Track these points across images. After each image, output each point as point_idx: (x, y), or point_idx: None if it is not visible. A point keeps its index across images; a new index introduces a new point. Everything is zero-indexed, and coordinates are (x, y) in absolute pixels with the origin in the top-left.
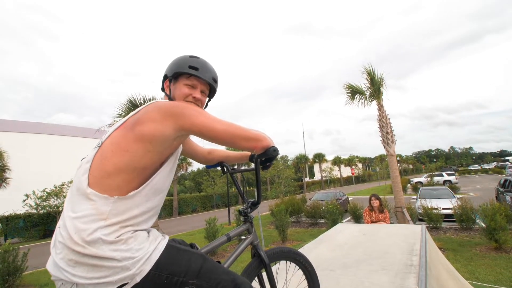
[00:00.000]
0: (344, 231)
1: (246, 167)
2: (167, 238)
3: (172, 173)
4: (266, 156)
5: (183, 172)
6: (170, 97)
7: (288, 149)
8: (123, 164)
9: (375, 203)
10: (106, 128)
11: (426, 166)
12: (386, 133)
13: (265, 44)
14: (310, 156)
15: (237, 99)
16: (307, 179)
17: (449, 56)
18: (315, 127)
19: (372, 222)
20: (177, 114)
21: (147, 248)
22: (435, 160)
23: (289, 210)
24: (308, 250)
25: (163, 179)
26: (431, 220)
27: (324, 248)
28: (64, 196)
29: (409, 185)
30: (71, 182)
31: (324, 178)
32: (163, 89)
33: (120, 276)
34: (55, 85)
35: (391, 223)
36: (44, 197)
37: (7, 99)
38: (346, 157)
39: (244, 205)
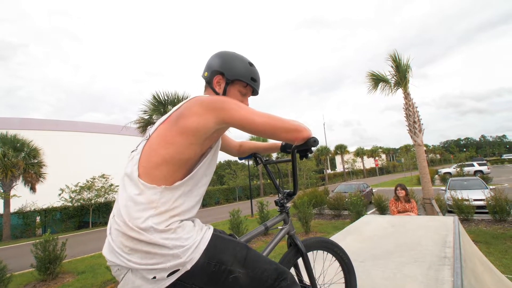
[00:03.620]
0: (371, 223)
1: (277, 157)
2: (212, 228)
3: (213, 163)
4: (306, 146)
5: None
6: (219, 94)
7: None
8: (169, 156)
9: (401, 193)
10: (131, 124)
11: (456, 156)
12: (413, 122)
13: (284, 37)
14: (331, 148)
15: (261, 90)
16: (329, 171)
17: (477, 39)
18: (335, 118)
19: (399, 212)
20: (218, 108)
21: (195, 237)
22: (464, 149)
23: (312, 202)
24: (336, 241)
25: (205, 170)
26: (462, 212)
27: (352, 240)
28: (96, 190)
29: (437, 176)
30: (101, 176)
31: (346, 170)
32: (209, 82)
33: (172, 263)
34: (85, 86)
35: (419, 214)
36: (78, 191)
37: (42, 100)
38: (368, 148)
39: (280, 196)
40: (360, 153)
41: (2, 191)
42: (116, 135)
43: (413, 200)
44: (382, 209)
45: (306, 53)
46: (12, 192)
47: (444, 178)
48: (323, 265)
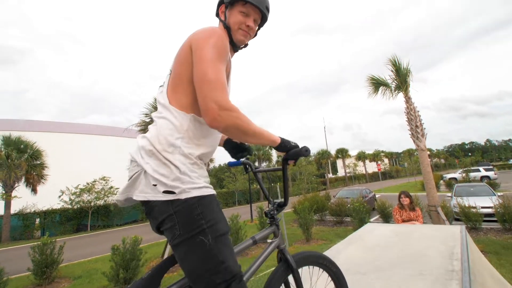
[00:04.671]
0: (374, 231)
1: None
2: (214, 192)
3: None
4: (297, 156)
5: None
6: (224, 23)
7: (308, 144)
8: (187, 73)
9: (405, 201)
10: (133, 127)
11: (461, 161)
12: (416, 127)
13: (282, 42)
14: (332, 152)
15: (257, 95)
16: (330, 175)
17: (474, 44)
18: (335, 121)
19: (403, 221)
20: (194, 34)
21: (203, 183)
22: (470, 154)
23: (313, 208)
24: (337, 251)
25: None
26: (469, 220)
27: (354, 250)
28: (96, 192)
29: (442, 181)
30: (102, 178)
31: (348, 174)
32: (217, 15)
33: (173, 184)
34: (88, 88)
35: (424, 222)
36: (78, 193)
37: (47, 102)
38: (370, 152)
39: (270, 206)
40: (361, 157)
41: (3, 192)
42: (118, 137)
43: (418, 208)
44: (386, 216)
45: (305, 57)
46: (13, 193)
47: (450, 184)
48: (311, 279)
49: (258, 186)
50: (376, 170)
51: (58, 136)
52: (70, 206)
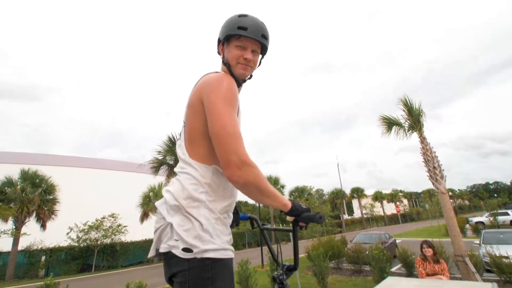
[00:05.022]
0: (395, 286)
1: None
2: (233, 255)
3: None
4: (309, 221)
5: None
6: (223, 60)
7: (320, 182)
8: (202, 127)
9: (428, 252)
10: (147, 163)
11: (486, 203)
12: (433, 168)
13: (291, 78)
14: (347, 191)
15: (267, 132)
16: (346, 217)
17: (488, 80)
18: (348, 158)
19: (428, 275)
20: (204, 86)
21: (222, 244)
22: (495, 195)
23: (328, 254)
24: None
25: None
26: (503, 272)
27: None
28: (104, 230)
29: (468, 225)
30: (111, 215)
31: (365, 216)
32: (218, 53)
33: (193, 242)
34: (104, 124)
35: (451, 274)
36: (86, 230)
37: (65, 136)
38: (388, 191)
39: (279, 270)
40: (378, 197)
41: (14, 227)
42: (131, 172)
43: (443, 261)
44: (409, 266)
45: (316, 93)
46: (23, 229)
47: (477, 229)
48: None
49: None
50: (394, 211)
51: (72, 171)
52: (76, 244)
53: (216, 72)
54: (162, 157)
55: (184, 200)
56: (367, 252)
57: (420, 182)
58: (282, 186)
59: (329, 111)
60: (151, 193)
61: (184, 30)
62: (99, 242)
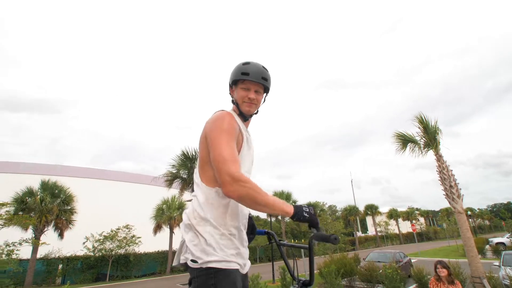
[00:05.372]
0: None
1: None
2: (237, 266)
3: (242, 167)
4: (324, 241)
5: None
6: (233, 100)
7: (333, 199)
8: (204, 155)
9: (443, 273)
10: (161, 177)
11: (507, 223)
12: (450, 187)
13: (304, 94)
14: (361, 207)
15: (279, 147)
16: (360, 234)
17: (507, 97)
18: (361, 175)
19: None
20: (208, 122)
21: (225, 257)
22: None
23: (340, 272)
24: None
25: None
26: None
27: None
28: (118, 240)
29: (487, 246)
30: (125, 226)
31: (379, 234)
32: (230, 94)
33: (198, 255)
34: (118, 137)
35: None
36: (101, 240)
37: (80, 147)
38: (403, 209)
39: (295, 285)
40: (393, 215)
41: (33, 236)
42: (145, 185)
43: (458, 282)
44: (424, 286)
45: (328, 109)
46: (42, 238)
47: (497, 250)
48: None
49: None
50: (410, 229)
51: (88, 182)
52: (92, 254)
53: (221, 110)
54: (176, 170)
55: (194, 220)
56: (380, 271)
57: (438, 200)
58: (294, 202)
59: (342, 127)
60: (164, 206)
61: (198, 50)
62: (113, 252)
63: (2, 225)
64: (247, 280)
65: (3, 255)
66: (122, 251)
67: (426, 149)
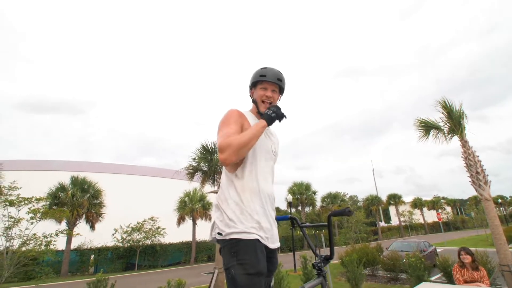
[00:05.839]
0: None
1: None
2: (258, 237)
3: (259, 154)
4: (340, 215)
5: None
6: (252, 99)
7: (354, 189)
8: None
9: (466, 259)
10: (182, 170)
11: None
12: (476, 173)
13: (322, 83)
14: (383, 197)
15: (297, 137)
16: (382, 224)
17: None
18: (384, 164)
19: (466, 282)
20: (221, 120)
21: (245, 229)
22: None
23: (362, 261)
24: None
25: (252, 163)
26: None
27: None
28: (145, 232)
29: None
30: (151, 218)
31: (403, 224)
32: (250, 96)
33: (222, 228)
34: (141, 134)
35: (497, 285)
36: (129, 231)
37: (106, 145)
38: (429, 198)
39: (317, 259)
40: (418, 204)
41: (67, 228)
42: (168, 178)
43: (483, 268)
44: (450, 276)
45: (346, 98)
46: (75, 230)
47: None
48: None
49: (302, 233)
50: (436, 219)
51: (115, 177)
52: (121, 244)
53: (230, 109)
54: (197, 163)
55: (220, 200)
56: (404, 260)
57: (465, 189)
58: (314, 192)
59: (362, 115)
60: (186, 198)
61: (217, 48)
62: (140, 243)
63: (40, 218)
64: (275, 255)
65: (42, 246)
66: (148, 242)
67: (450, 135)
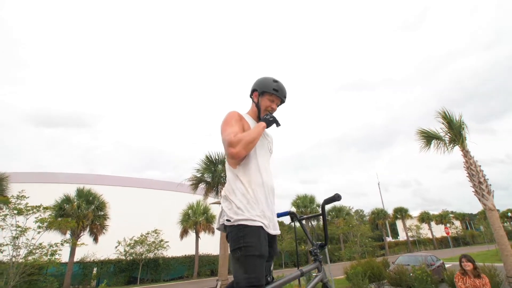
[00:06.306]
0: None
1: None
2: (262, 224)
3: (259, 152)
4: (332, 202)
5: None
6: (256, 104)
7: (359, 203)
8: None
9: (468, 266)
10: (186, 182)
11: None
12: (479, 183)
13: (325, 97)
14: (389, 211)
15: (301, 150)
16: (389, 239)
17: None
18: (389, 177)
19: None
20: (222, 121)
21: (251, 217)
22: None
23: (367, 274)
24: None
25: (254, 159)
26: None
27: None
28: (148, 244)
29: None
30: (154, 231)
31: (411, 239)
32: (251, 96)
33: (231, 215)
34: (145, 147)
35: None
36: (132, 244)
37: (110, 157)
38: (437, 212)
39: (313, 247)
40: (425, 218)
41: (71, 238)
42: (171, 191)
43: (485, 276)
44: None
45: (350, 111)
46: (79, 241)
47: None
48: None
49: (306, 248)
50: (444, 234)
51: (119, 189)
52: (124, 257)
53: (230, 111)
54: (201, 174)
55: (227, 192)
56: (411, 274)
57: (474, 203)
58: (319, 205)
59: (366, 129)
60: (189, 211)
61: (220, 59)
62: (143, 256)
63: (46, 228)
64: (275, 241)
65: (48, 255)
66: (151, 255)
67: (451, 145)
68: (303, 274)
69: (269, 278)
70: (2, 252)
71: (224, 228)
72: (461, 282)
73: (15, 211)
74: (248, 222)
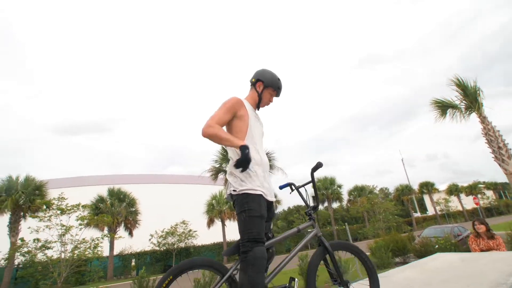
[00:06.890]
0: (439, 259)
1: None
2: (261, 192)
3: (257, 136)
4: (318, 169)
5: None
6: (259, 93)
7: (384, 181)
8: (226, 127)
9: (480, 228)
10: (205, 173)
11: None
12: (498, 148)
13: (341, 77)
14: (415, 187)
15: (319, 132)
16: (417, 215)
17: None
18: (414, 153)
19: (482, 251)
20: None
21: (252, 186)
22: None
23: (390, 247)
24: (394, 272)
25: (252, 142)
26: None
27: (411, 272)
28: (178, 235)
29: None
30: (182, 222)
31: (440, 212)
32: (253, 84)
33: (236, 186)
34: (167, 145)
35: None
36: (164, 236)
37: (135, 157)
38: (466, 184)
39: (308, 209)
40: (453, 190)
41: (109, 233)
42: (194, 184)
43: (498, 237)
44: None
45: (367, 89)
46: (116, 235)
47: None
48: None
49: (331, 228)
50: (475, 205)
51: (146, 187)
52: (158, 248)
53: (234, 96)
54: (219, 165)
55: (232, 168)
56: (436, 247)
57: None
58: (339, 186)
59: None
60: (213, 201)
61: (234, 55)
62: (175, 246)
63: (86, 225)
64: (272, 206)
65: (91, 248)
66: (182, 244)
67: (468, 113)
68: (300, 230)
69: (270, 235)
70: (52, 249)
71: (231, 197)
72: (475, 244)
73: (59, 211)
74: (251, 191)
